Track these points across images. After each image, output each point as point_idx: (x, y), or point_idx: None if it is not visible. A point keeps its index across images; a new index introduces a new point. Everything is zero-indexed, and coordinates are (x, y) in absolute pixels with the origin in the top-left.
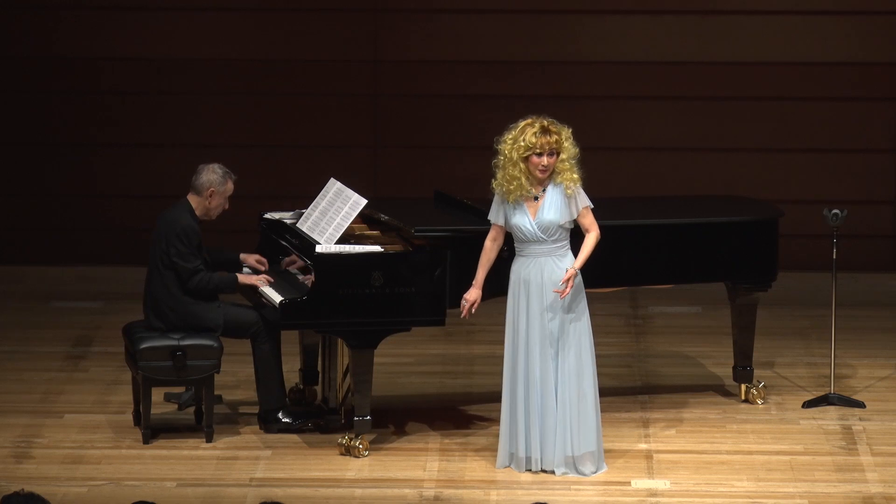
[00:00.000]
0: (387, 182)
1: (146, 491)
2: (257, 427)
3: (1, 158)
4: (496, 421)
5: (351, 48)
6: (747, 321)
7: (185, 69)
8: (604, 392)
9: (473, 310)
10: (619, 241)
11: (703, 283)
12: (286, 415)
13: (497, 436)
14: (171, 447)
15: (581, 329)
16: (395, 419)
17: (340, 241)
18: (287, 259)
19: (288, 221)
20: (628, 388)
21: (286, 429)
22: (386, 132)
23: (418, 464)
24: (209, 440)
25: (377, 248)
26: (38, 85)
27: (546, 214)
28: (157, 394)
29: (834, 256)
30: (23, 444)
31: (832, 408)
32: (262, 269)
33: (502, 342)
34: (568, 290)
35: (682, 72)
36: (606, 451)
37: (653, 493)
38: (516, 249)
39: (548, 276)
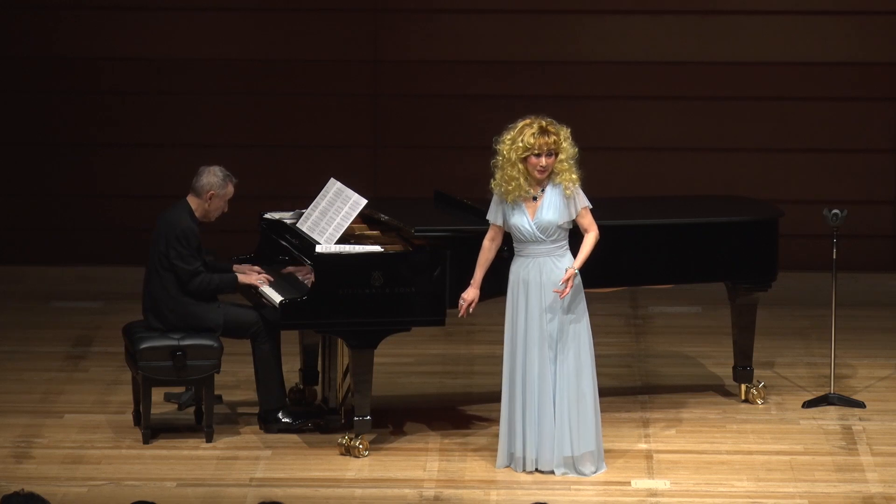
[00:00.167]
0: (387, 182)
1: (146, 491)
2: (257, 427)
3: (1, 158)
4: (496, 421)
5: (351, 48)
6: (747, 321)
7: (185, 69)
8: (604, 392)
9: (471, 309)
10: (619, 241)
11: (703, 283)
12: (286, 415)
13: (497, 436)
14: (171, 447)
15: (580, 329)
16: (395, 419)
17: (340, 241)
18: (286, 270)
19: (288, 221)
20: (628, 388)
21: (286, 429)
22: (386, 132)
23: (418, 464)
24: (209, 440)
25: (377, 248)
26: (38, 85)
27: (545, 215)
28: (157, 394)
29: (834, 256)
30: (23, 444)
31: (832, 408)
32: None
33: (502, 342)
34: (567, 290)
35: (682, 72)
36: (606, 451)
37: (653, 493)
38: (515, 249)
39: (547, 276)
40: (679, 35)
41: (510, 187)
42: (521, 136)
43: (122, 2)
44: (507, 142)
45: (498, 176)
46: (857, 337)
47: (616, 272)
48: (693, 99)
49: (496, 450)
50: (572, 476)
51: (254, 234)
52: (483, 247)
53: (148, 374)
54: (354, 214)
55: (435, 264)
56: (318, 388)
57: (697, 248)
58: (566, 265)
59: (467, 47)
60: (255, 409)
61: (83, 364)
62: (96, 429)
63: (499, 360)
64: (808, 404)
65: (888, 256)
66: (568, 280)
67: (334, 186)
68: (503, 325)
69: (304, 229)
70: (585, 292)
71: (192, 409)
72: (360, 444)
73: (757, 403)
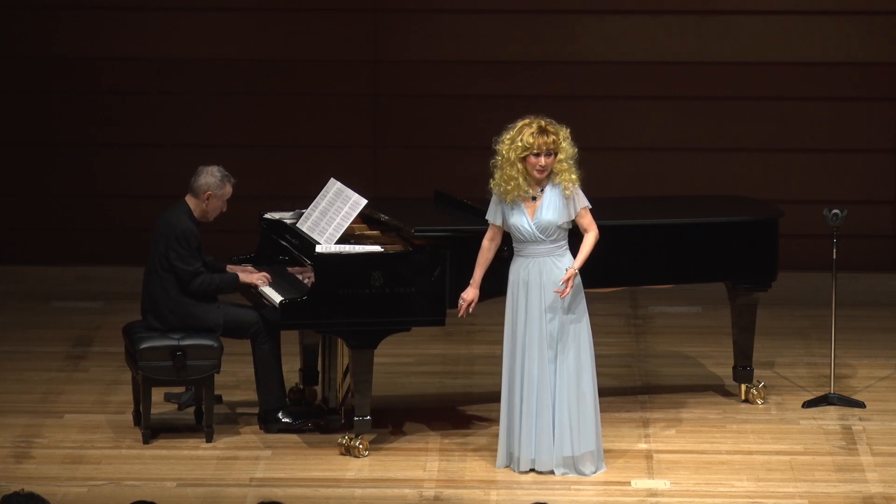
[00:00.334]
0: (387, 182)
1: (146, 491)
2: (257, 427)
3: (1, 158)
4: (496, 421)
5: (351, 48)
6: (747, 321)
7: (185, 69)
8: (604, 392)
9: (471, 309)
10: (619, 241)
11: (703, 283)
12: (286, 415)
13: (497, 436)
14: (171, 447)
15: (581, 329)
16: (395, 419)
17: (340, 241)
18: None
19: (288, 221)
20: (628, 388)
21: (286, 429)
22: (386, 132)
23: (418, 464)
24: (209, 440)
25: (377, 248)
26: (38, 85)
27: (544, 215)
28: (157, 394)
29: (834, 256)
30: (23, 444)
31: (832, 408)
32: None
33: (502, 342)
34: (568, 289)
35: (682, 72)
36: (606, 451)
37: (653, 493)
38: (515, 250)
39: (547, 276)
40: (679, 35)
41: (509, 187)
42: (520, 136)
43: (122, 2)
44: (507, 141)
45: (497, 176)
46: (857, 337)
47: (616, 272)
48: (693, 99)
49: (496, 450)
50: (572, 476)
51: (254, 234)
52: (482, 246)
53: (148, 374)
54: (354, 214)
55: (435, 264)
56: (318, 388)
57: (697, 248)
58: (566, 265)
59: (467, 47)
60: (255, 409)
61: (83, 364)
62: (96, 429)
63: (499, 360)
64: (808, 404)
65: (888, 256)
66: (568, 280)
67: (334, 186)
68: (503, 325)
69: (304, 229)
70: (585, 292)
71: (192, 409)
72: (360, 444)
73: (757, 403)
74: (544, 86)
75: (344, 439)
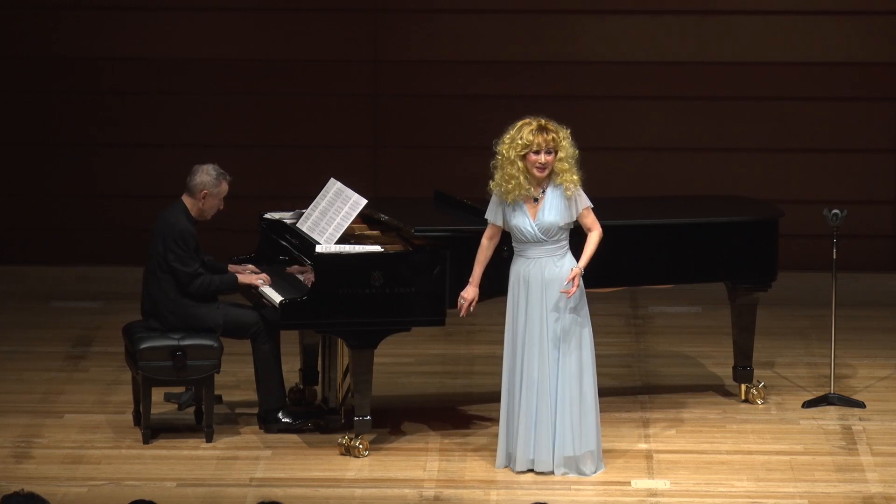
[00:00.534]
0: (387, 182)
1: (146, 491)
2: (257, 427)
3: (1, 158)
4: (496, 421)
5: (351, 48)
6: (747, 321)
7: (185, 69)
8: (604, 392)
9: (472, 308)
10: (619, 241)
11: (703, 283)
12: (286, 415)
13: (497, 436)
14: (171, 447)
15: (581, 329)
16: (395, 419)
17: (340, 241)
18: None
19: (288, 221)
20: (628, 388)
21: (286, 429)
22: (386, 132)
23: (418, 464)
24: (209, 440)
25: (377, 248)
26: (38, 85)
27: (546, 216)
28: (157, 394)
29: (834, 256)
30: (23, 444)
31: (832, 408)
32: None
33: (502, 342)
34: (574, 289)
35: (682, 72)
36: (606, 451)
37: (653, 493)
38: (515, 250)
39: (548, 275)
40: (679, 35)
41: (510, 186)
42: (519, 135)
43: (122, 2)
44: (507, 141)
45: (497, 176)
46: (857, 337)
47: (616, 272)
48: (693, 99)
49: (496, 450)
50: (572, 476)
51: (254, 234)
52: (481, 245)
53: (148, 374)
54: (354, 214)
55: (435, 264)
56: (318, 388)
57: (697, 248)
58: (567, 265)
59: (467, 47)
60: (255, 409)
61: (83, 364)
62: (96, 429)
63: (499, 360)
64: (808, 404)
65: (888, 256)
66: (574, 279)
67: (334, 186)
68: (503, 325)
69: (304, 229)
70: (586, 292)
71: (192, 409)
72: (360, 444)
73: (757, 403)
74: (544, 86)
75: (344, 439)
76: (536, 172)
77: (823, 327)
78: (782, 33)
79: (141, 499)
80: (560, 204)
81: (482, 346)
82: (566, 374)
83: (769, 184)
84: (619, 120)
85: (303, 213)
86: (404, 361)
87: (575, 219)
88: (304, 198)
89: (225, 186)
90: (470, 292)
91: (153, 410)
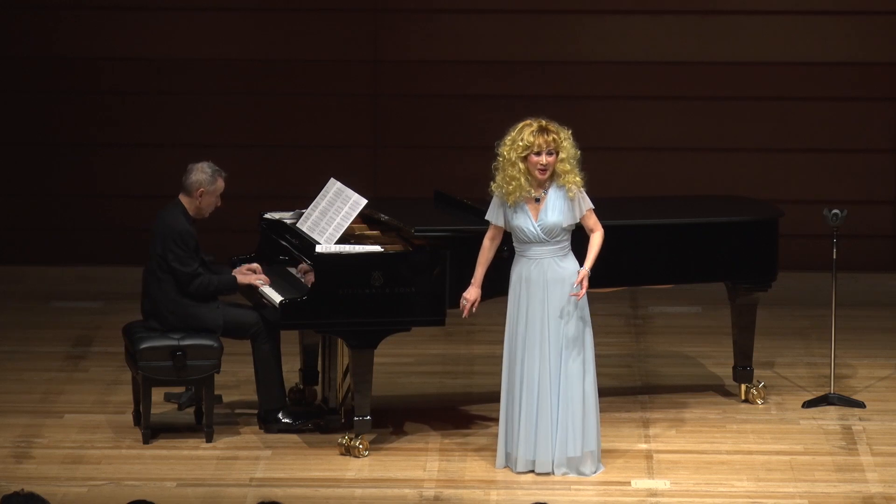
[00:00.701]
0: (387, 182)
1: (146, 491)
2: (257, 427)
3: (1, 158)
4: (496, 421)
5: (351, 48)
6: (747, 321)
7: (185, 69)
8: (604, 392)
9: (474, 308)
10: (620, 241)
11: (703, 283)
12: (286, 415)
13: (497, 435)
14: (171, 447)
15: (582, 329)
16: (395, 419)
17: (340, 241)
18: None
19: (288, 221)
20: (628, 388)
21: (286, 429)
22: (386, 132)
23: (418, 464)
24: (209, 440)
25: (377, 248)
26: (38, 85)
27: (549, 217)
28: (157, 394)
29: (834, 256)
30: (23, 444)
31: (832, 408)
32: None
33: (502, 342)
34: (583, 291)
35: (682, 72)
36: (606, 451)
37: (653, 493)
38: (516, 250)
39: (551, 276)
40: (679, 35)
41: (511, 187)
42: (520, 136)
43: (122, 2)
44: (508, 143)
45: (498, 178)
46: (857, 337)
47: (616, 272)
48: (693, 99)
49: (496, 450)
50: (572, 476)
51: (254, 234)
52: (483, 246)
53: (148, 374)
54: (354, 214)
55: (435, 264)
56: (318, 388)
57: (697, 248)
58: (568, 265)
59: (467, 47)
60: (255, 409)
61: (83, 364)
62: (96, 429)
63: (499, 360)
64: (808, 404)
65: (888, 256)
66: (581, 281)
67: (334, 186)
68: (503, 325)
69: (304, 229)
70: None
71: (192, 409)
72: (360, 444)
73: (757, 403)
74: (544, 86)
75: (344, 439)
76: (538, 174)
77: (823, 327)
78: (782, 33)
79: (141, 499)
80: (563, 205)
81: (482, 346)
82: (570, 375)
83: (769, 184)
84: (619, 120)
85: (303, 213)
86: (404, 361)
87: (578, 220)
88: (304, 198)
89: (221, 183)
90: (472, 293)
91: (153, 410)
